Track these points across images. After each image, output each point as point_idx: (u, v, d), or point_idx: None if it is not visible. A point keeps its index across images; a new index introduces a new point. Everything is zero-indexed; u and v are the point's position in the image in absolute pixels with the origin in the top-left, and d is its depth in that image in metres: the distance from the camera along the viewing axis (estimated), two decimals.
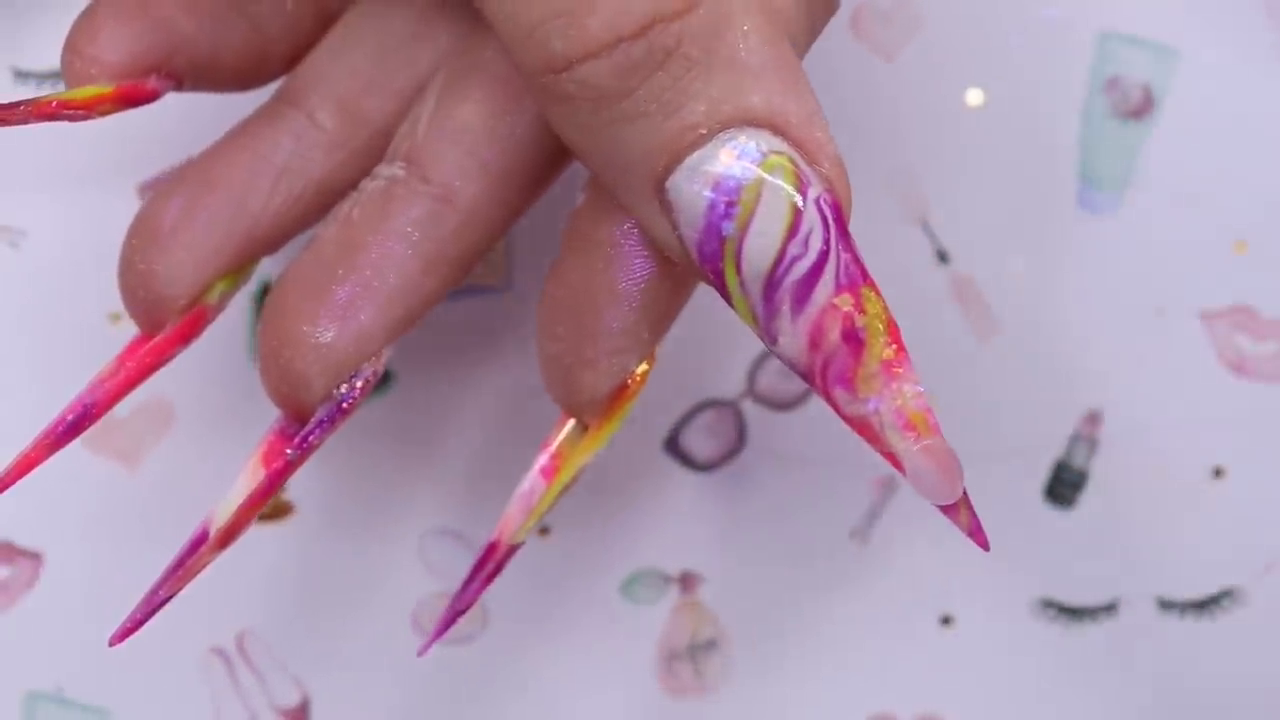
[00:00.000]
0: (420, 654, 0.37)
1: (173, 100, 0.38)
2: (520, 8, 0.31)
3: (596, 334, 0.34)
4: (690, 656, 0.48)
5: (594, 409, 0.35)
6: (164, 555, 0.36)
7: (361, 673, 0.47)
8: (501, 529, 0.36)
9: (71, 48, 0.35)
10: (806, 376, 0.31)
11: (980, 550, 0.34)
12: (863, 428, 0.31)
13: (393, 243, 0.34)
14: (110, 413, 0.44)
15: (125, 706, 0.47)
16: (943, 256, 0.48)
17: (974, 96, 0.48)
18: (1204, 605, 0.48)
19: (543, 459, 0.36)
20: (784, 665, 0.48)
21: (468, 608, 0.36)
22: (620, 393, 0.35)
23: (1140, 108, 0.48)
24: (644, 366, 0.35)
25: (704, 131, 0.31)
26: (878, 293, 0.31)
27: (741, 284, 0.31)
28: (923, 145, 0.48)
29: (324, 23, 0.38)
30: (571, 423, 0.36)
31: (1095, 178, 0.48)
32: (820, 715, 0.48)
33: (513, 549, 0.36)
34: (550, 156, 0.35)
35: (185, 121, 0.44)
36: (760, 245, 0.30)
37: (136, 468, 0.47)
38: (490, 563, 0.36)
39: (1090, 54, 0.48)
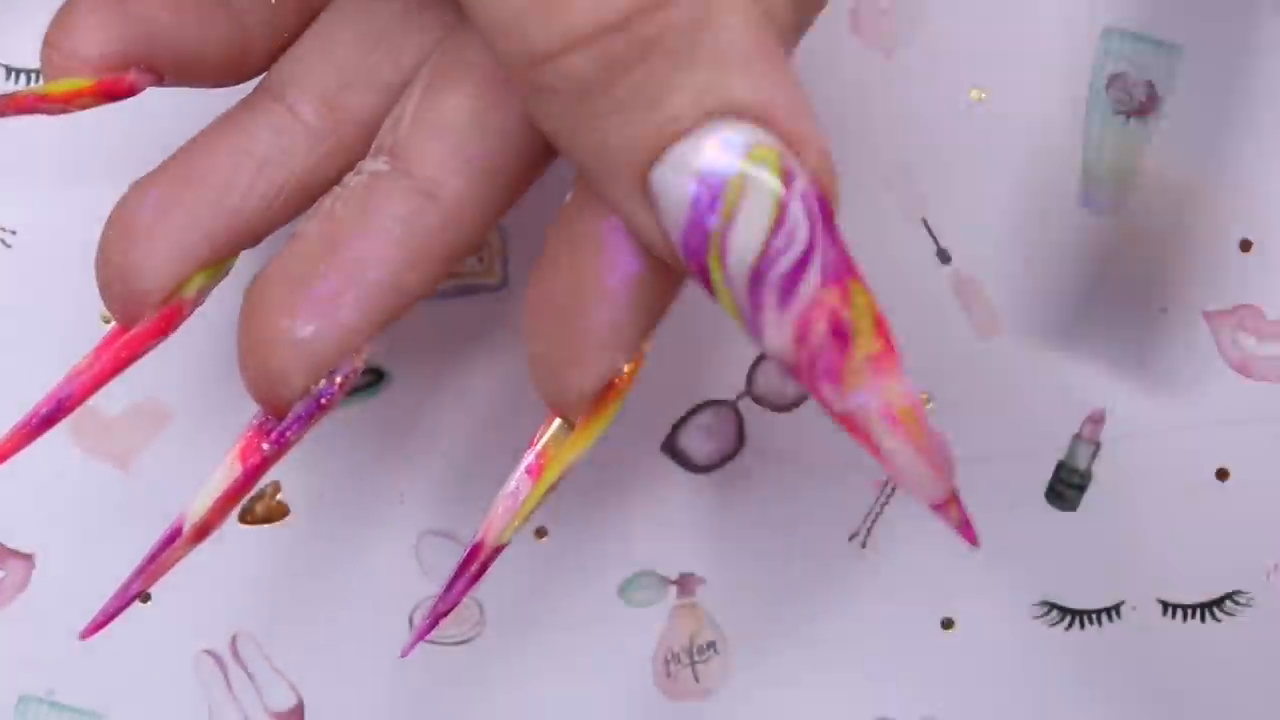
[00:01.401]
0: (404, 654, 0.37)
1: (167, 99, 0.38)
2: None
3: (583, 332, 0.34)
4: (689, 659, 0.48)
5: (581, 408, 0.35)
6: None
7: (356, 675, 0.47)
8: (486, 529, 0.36)
9: (50, 41, 0.35)
10: (794, 372, 0.31)
11: (980, 551, 0.34)
12: (851, 424, 0.31)
13: (375, 238, 0.34)
14: (103, 414, 0.44)
15: (117, 710, 0.47)
16: (943, 256, 0.47)
17: (975, 94, 0.48)
18: (1207, 608, 0.47)
19: (528, 458, 0.36)
20: (783, 668, 0.48)
21: (451, 609, 0.36)
22: (607, 391, 0.35)
23: (1143, 105, 0.48)
24: (631, 365, 0.35)
25: (687, 124, 0.30)
26: (865, 286, 0.31)
27: (726, 278, 0.31)
28: (923, 143, 0.48)
29: (306, 17, 0.38)
30: (558, 422, 0.36)
31: (1098, 176, 0.48)
32: (820, 718, 0.48)
33: (497, 550, 0.36)
34: (536, 151, 0.35)
35: (180, 121, 0.44)
36: (745, 239, 0.30)
37: (129, 469, 0.47)
38: (475, 563, 0.36)
39: (1093, 51, 0.48)
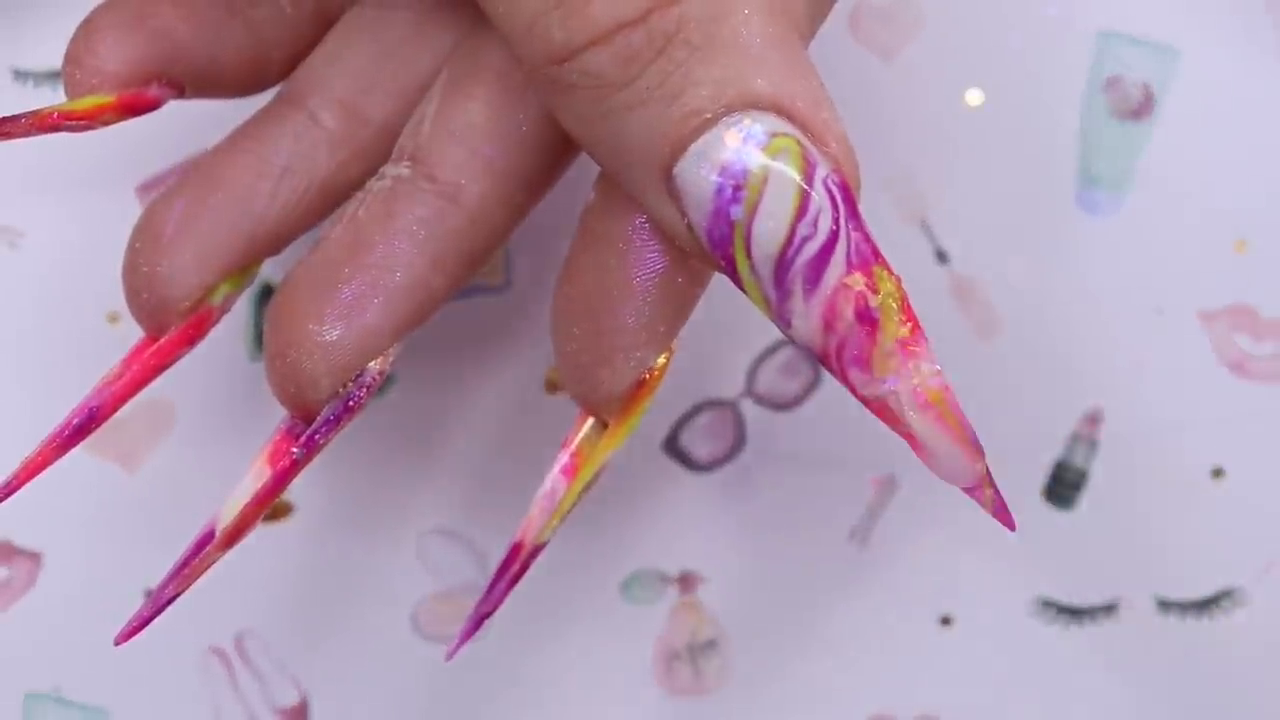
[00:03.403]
0: (449, 658, 0.37)
1: (172, 102, 0.38)
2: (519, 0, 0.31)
3: (612, 331, 0.34)
4: (689, 656, 0.48)
5: (613, 406, 0.35)
6: (164, 556, 0.36)
7: (360, 673, 0.47)
8: (525, 530, 0.36)
9: (72, 59, 0.35)
10: (822, 359, 0.31)
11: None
12: (881, 409, 0.31)
13: (399, 241, 0.34)
14: None
15: (124, 707, 0.47)
16: (942, 256, 0.48)
17: (973, 96, 0.48)
18: (1203, 606, 0.48)
19: (563, 458, 0.36)
20: (783, 666, 0.48)
21: (494, 610, 0.36)
22: (639, 388, 0.35)
23: (1140, 107, 0.48)
24: (662, 360, 0.35)
25: (708, 116, 0.30)
26: (890, 271, 0.31)
27: (752, 268, 0.31)
28: (922, 145, 0.48)
29: (323, 26, 0.38)
30: (591, 421, 0.36)
31: (1095, 177, 0.48)
32: (819, 715, 0.48)
33: (537, 549, 0.36)
34: (555, 153, 0.35)
35: (183, 122, 0.44)
36: (769, 228, 0.30)
37: (136, 469, 0.47)
38: (515, 564, 0.36)
39: (1090, 53, 0.48)
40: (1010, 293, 0.48)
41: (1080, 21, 0.48)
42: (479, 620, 0.36)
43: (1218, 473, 0.48)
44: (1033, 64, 0.48)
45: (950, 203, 0.48)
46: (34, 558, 0.47)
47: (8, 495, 0.35)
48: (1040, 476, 0.48)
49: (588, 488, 0.36)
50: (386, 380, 0.47)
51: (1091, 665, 0.48)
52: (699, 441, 0.48)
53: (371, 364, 0.35)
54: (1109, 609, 0.48)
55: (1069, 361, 0.48)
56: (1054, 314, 0.48)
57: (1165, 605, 0.48)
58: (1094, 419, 0.48)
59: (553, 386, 0.47)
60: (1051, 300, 0.48)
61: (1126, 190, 0.48)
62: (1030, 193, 0.48)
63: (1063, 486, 0.48)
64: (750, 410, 0.48)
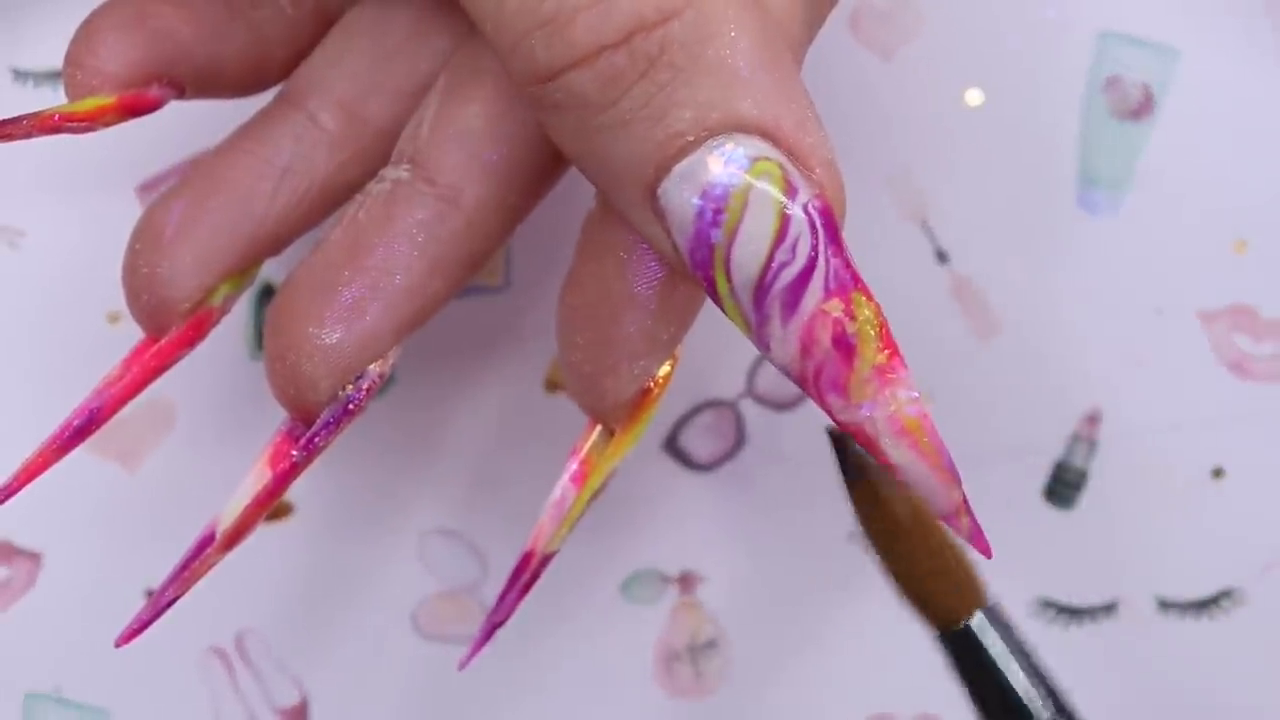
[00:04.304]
0: (461, 668, 0.37)
1: (171, 102, 0.38)
2: (506, 18, 0.31)
3: (616, 340, 0.34)
4: (690, 657, 0.48)
5: (619, 414, 0.35)
6: (164, 556, 0.36)
7: (361, 673, 0.47)
8: (535, 538, 0.36)
9: (72, 60, 0.35)
10: (800, 383, 0.31)
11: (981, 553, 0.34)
12: (858, 433, 0.31)
13: (398, 244, 0.34)
14: None
15: (124, 707, 0.47)
16: (942, 256, 0.48)
17: (973, 96, 0.48)
18: (1203, 605, 0.48)
19: (572, 466, 0.36)
20: (783, 666, 0.48)
21: (506, 619, 0.36)
22: (643, 396, 0.35)
23: (1140, 108, 0.48)
24: (666, 369, 0.35)
25: (691, 139, 0.30)
26: (869, 297, 0.31)
27: (732, 291, 0.31)
28: (922, 145, 0.48)
29: (323, 26, 0.38)
30: (599, 429, 0.36)
31: (1095, 178, 0.48)
32: (819, 715, 0.48)
33: (548, 557, 0.36)
34: (553, 157, 0.35)
35: (183, 122, 0.44)
36: (748, 252, 0.30)
37: (137, 468, 0.47)
38: (526, 572, 0.36)
39: (1089, 54, 0.48)
40: (1010, 293, 0.48)
41: (1080, 22, 0.48)
42: (491, 630, 0.37)
43: (1218, 473, 0.48)
44: (1032, 64, 0.48)
45: (950, 203, 0.48)
46: (34, 558, 0.47)
47: (7, 498, 0.35)
48: (1040, 476, 0.48)
49: (596, 495, 0.36)
50: (386, 381, 0.47)
51: (1091, 665, 0.48)
52: (699, 441, 0.48)
53: (371, 366, 0.35)
54: (1109, 609, 0.48)
55: (1069, 362, 0.48)
56: (1053, 314, 0.48)
57: (1165, 605, 0.48)
58: (1094, 419, 0.48)
59: (553, 386, 0.47)
60: (1051, 300, 0.48)
61: (1126, 190, 0.48)
62: (1030, 193, 0.48)
63: (1063, 486, 0.48)
64: (750, 410, 0.48)
